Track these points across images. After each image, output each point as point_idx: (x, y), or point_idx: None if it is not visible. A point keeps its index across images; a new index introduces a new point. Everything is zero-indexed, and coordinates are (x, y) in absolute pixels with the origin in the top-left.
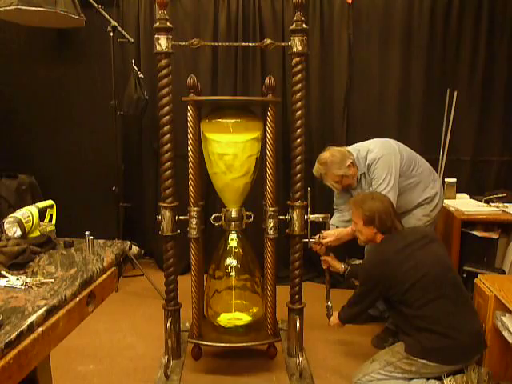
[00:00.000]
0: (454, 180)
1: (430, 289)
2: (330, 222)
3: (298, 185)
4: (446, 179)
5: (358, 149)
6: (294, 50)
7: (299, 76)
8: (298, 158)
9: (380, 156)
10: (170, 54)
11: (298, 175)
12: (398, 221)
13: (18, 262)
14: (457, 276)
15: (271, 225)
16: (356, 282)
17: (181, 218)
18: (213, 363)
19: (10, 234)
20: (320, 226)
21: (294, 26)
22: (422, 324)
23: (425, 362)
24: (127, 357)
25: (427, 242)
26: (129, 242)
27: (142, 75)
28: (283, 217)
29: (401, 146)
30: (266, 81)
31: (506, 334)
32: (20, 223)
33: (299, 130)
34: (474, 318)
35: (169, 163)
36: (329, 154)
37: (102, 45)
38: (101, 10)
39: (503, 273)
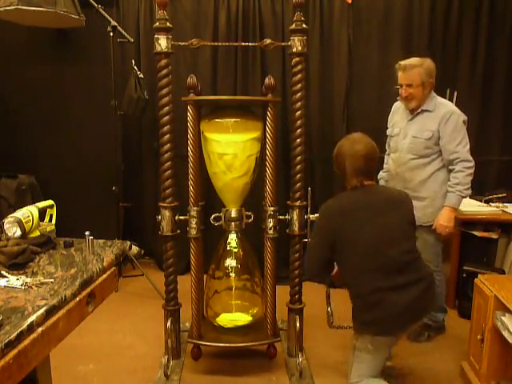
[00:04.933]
0: None
1: (366, 260)
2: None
3: (298, 185)
4: None
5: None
6: (294, 50)
7: (299, 76)
8: (298, 157)
9: (459, 114)
10: (170, 53)
11: (298, 175)
12: (369, 177)
13: (17, 262)
14: (406, 254)
15: (271, 224)
16: None
17: (181, 217)
18: (213, 363)
19: (9, 234)
20: None
21: (293, 26)
22: (354, 292)
23: (365, 335)
24: (127, 357)
25: (388, 210)
26: (129, 242)
27: (141, 75)
28: (283, 217)
29: None
30: (266, 81)
31: (505, 334)
32: (20, 223)
33: (299, 130)
34: (410, 290)
35: (169, 163)
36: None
37: (102, 45)
38: (101, 10)
39: (503, 273)
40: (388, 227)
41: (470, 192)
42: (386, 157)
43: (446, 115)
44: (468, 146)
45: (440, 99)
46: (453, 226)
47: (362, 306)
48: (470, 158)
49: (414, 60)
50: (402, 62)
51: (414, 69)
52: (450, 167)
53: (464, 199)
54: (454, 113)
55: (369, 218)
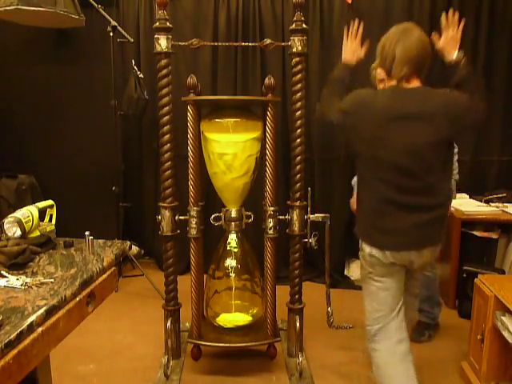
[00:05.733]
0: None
1: (380, 168)
2: None
3: (298, 185)
4: None
5: None
6: (294, 50)
7: (299, 76)
8: (298, 157)
9: None
10: (170, 53)
11: (298, 175)
12: (418, 73)
13: (17, 262)
14: (429, 174)
15: (271, 224)
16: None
17: (181, 217)
18: (213, 363)
19: (9, 234)
20: (320, 226)
21: (293, 26)
22: (364, 196)
23: (365, 247)
24: (127, 357)
25: (423, 124)
26: (129, 242)
27: (141, 75)
28: (283, 217)
29: None
30: (266, 81)
31: (505, 334)
32: (20, 223)
33: (299, 130)
34: (422, 213)
35: (169, 163)
36: None
37: (102, 45)
38: (101, 10)
39: (503, 273)
40: (417, 145)
41: (458, 176)
42: None
43: None
44: None
45: None
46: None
47: (368, 211)
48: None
49: None
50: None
51: None
52: None
53: (464, 199)
54: None
55: (394, 128)
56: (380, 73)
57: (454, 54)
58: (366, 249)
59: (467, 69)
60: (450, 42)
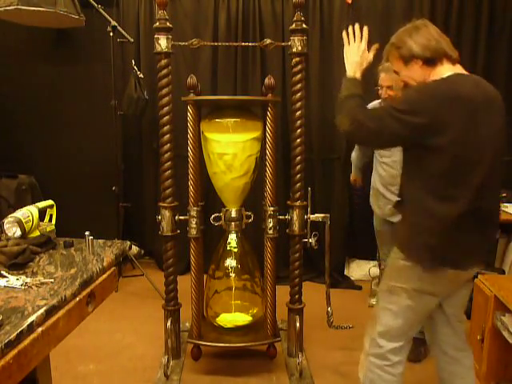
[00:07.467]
0: None
1: (463, 170)
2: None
3: (298, 185)
4: None
5: None
6: (294, 50)
7: (299, 76)
8: (298, 158)
9: None
10: (170, 53)
11: (298, 175)
12: (455, 59)
13: (17, 262)
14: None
15: (271, 224)
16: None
17: (181, 217)
18: (213, 363)
19: (9, 234)
20: (320, 226)
21: (293, 26)
22: (430, 207)
23: (406, 261)
24: (127, 357)
25: (493, 112)
26: (129, 242)
27: (141, 75)
28: (283, 217)
29: None
30: (266, 81)
31: (505, 334)
32: (20, 223)
33: (299, 130)
34: (487, 228)
35: (169, 163)
36: None
37: (102, 45)
38: (101, 10)
39: (503, 273)
40: (493, 134)
41: None
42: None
43: None
44: None
45: None
46: None
47: (445, 226)
48: None
49: None
50: (386, 64)
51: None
52: None
53: None
54: None
55: (480, 120)
56: (385, 79)
57: None
58: (415, 276)
59: None
60: None
